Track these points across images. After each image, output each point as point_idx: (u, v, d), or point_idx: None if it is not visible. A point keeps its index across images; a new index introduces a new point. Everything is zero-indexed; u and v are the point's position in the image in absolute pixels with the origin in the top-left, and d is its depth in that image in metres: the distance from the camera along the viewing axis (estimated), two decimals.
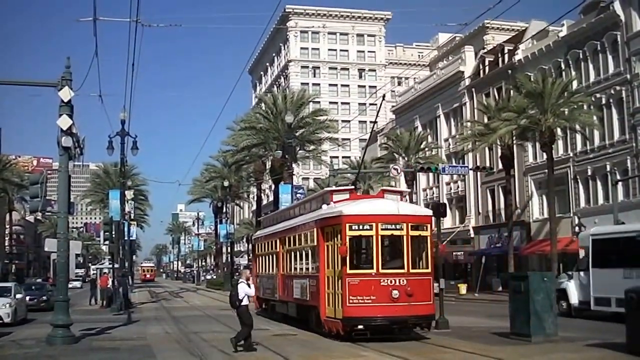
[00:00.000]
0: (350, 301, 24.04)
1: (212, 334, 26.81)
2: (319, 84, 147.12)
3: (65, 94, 24.20)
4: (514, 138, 62.09)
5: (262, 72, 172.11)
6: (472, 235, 78.85)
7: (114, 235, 49.82)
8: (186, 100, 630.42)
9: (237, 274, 23.25)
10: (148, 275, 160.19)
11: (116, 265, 48.60)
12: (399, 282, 24.01)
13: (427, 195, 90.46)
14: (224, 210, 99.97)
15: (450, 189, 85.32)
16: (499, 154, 66.76)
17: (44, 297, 46.43)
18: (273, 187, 68.59)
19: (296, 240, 30.67)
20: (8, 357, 20.91)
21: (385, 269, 24.36)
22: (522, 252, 65.87)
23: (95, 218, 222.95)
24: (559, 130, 59.17)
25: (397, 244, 25.00)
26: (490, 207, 76.44)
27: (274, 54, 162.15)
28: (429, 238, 25.85)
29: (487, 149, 69.62)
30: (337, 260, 25.12)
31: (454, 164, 72.19)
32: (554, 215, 57.61)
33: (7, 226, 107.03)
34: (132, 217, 70.34)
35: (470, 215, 79.84)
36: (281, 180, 58.56)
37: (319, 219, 27.19)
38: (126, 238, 60.94)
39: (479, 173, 72.72)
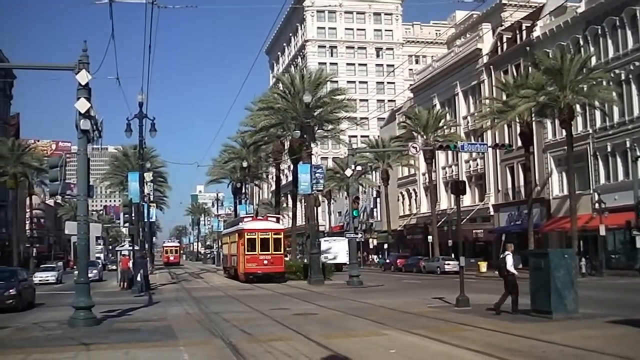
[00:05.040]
0: (246, 266, 53.55)
1: (233, 314, 26.84)
2: (336, 64, 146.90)
3: (83, 77, 24.19)
4: (533, 115, 61.85)
5: (279, 52, 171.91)
6: (492, 213, 78.78)
7: (133, 218, 49.92)
8: (204, 81, 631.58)
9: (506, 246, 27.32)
10: (171, 258, 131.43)
11: (136, 247, 48.63)
12: (267, 257, 52.90)
13: (446, 173, 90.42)
14: (243, 190, 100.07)
15: (470, 166, 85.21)
16: (518, 131, 66.57)
17: (12, 292, 31.88)
18: (292, 167, 68.55)
19: (232, 237, 61.72)
20: (31, 339, 20.99)
21: (261, 251, 53.08)
22: (542, 229, 65.83)
23: (114, 200, 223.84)
24: (578, 106, 59.01)
25: (267, 241, 53.36)
26: (509, 185, 76.33)
27: (290, 34, 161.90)
28: (282, 238, 55.58)
29: (506, 126, 69.51)
30: (242, 248, 54.06)
31: (472, 141, 71.71)
32: (574, 192, 57.50)
33: (28, 210, 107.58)
34: (151, 199, 70.48)
35: (489, 193, 79.76)
36: (300, 160, 58.47)
37: (237, 229, 58.57)
38: (146, 220, 61.11)
39: (498, 151, 72.51)
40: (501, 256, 26.13)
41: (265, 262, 52.58)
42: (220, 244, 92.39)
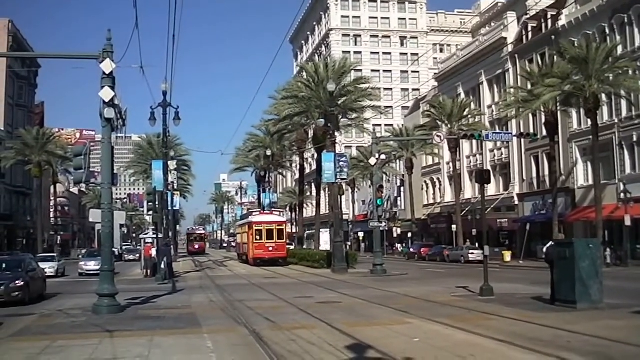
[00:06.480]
0: (255, 252, 63.44)
1: (257, 302, 26.91)
2: (360, 52, 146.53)
3: (107, 66, 24.30)
4: (558, 104, 61.37)
5: (303, 41, 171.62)
6: (517, 203, 78.47)
7: (157, 206, 49.98)
8: (228, 70, 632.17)
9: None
10: (196, 245, 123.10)
11: (160, 235, 48.63)
12: (272, 245, 62.89)
13: (470, 162, 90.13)
14: (267, 179, 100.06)
15: (494, 156, 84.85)
16: (543, 120, 66.11)
17: (19, 283, 28.55)
18: (316, 155, 68.52)
19: (243, 229, 73.88)
20: (56, 325, 21.12)
21: (267, 240, 63.02)
22: (567, 219, 65.46)
23: (138, 189, 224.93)
24: (603, 96, 58.51)
25: (272, 232, 63.57)
26: (534, 174, 75.96)
27: (314, 23, 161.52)
28: (284, 229, 65.96)
29: (530, 115, 69.06)
30: (252, 237, 64.06)
31: (497, 130, 71.39)
32: (599, 181, 57.12)
33: (52, 198, 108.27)
34: (175, 187, 70.60)
35: (514, 182, 79.42)
36: (324, 149, 58.42)
37: (247, 221, 69.64)
38: (170, 208, 61.28)
39: (522, 140, 72.16)
40: (548, 244, 25.88)
41: (270, 248, 63.20)
42: (236, 233, 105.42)
